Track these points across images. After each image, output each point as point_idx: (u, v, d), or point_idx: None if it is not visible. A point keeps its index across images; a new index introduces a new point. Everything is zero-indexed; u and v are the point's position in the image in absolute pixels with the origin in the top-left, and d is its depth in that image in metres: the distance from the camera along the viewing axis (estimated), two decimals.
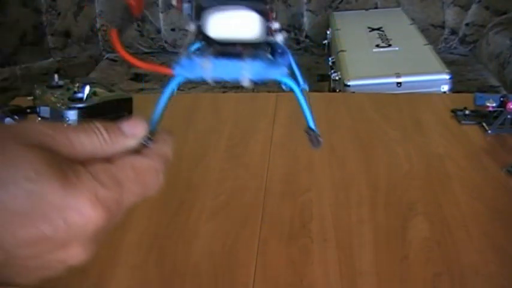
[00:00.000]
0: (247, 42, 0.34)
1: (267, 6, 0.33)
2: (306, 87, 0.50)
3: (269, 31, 0.36)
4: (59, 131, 0.30)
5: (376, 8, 2.35)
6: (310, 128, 0.39)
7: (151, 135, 0.35)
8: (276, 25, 0.35)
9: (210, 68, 0.33)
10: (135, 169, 0.32)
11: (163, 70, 0.35)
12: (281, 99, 1.12)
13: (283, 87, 0.37)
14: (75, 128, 0.32)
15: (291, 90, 0.38)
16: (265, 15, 0.33)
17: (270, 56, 0.36)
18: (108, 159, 0.31)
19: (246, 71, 0.34)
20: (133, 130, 0.33)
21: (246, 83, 0.34)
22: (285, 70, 0.35)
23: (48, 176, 0.28)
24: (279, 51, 0.37)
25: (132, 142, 0.33)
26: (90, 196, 0.29)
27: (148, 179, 0.32)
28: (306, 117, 0.39)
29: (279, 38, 0.36)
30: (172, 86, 0.37)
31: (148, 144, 0.34)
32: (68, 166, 0.29)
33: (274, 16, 0.35)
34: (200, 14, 0.33)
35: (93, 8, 2.39)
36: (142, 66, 0.35)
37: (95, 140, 0.31)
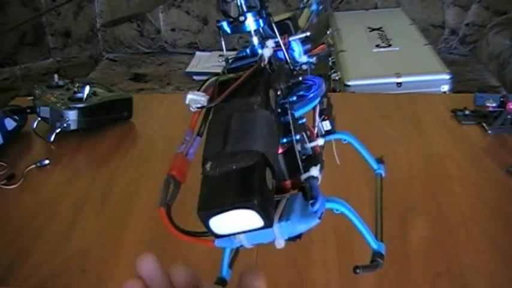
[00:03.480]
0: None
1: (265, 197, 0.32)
2: (382, 171, 0.49)
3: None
4: None
5: (376, 8, 2.34)
6: (374, 252, 0.38)
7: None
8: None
9: (243, 238, 0.34)
10: None
11: (205, 243, 0.36)
12: None
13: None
14: None
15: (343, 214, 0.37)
16: (265, 204, 0.31)
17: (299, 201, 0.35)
18: None
19: (279, 233, 0.33)
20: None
21: (281, 244, 0.34)
22: (318, 215, 0.34)
23: None
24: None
25: None
26: None
27: None
28: (366, 240, 0.38)
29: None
30: (227, 253, 0.40)
31: None
32: None
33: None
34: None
35: (93, 8, 2.39)
36: (186, 239, 0.36)
37: None
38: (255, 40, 0.41)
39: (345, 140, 0.50)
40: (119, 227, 0.79)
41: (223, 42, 0.43)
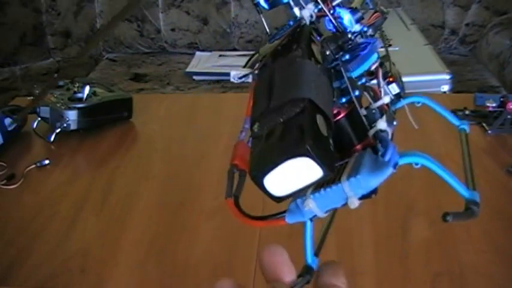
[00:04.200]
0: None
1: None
2: (465, 126, 0.46)
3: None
4: None
5: None
6: (468, 200, 0.34)
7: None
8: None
9: (314, 205, 0.31)
10: None
11: (278, 223, 0.33)
12: None
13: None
14: None
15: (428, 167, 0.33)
16: (320, 149, 0.29)
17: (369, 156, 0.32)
18: None
19: (350, 191, 0.31)
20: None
21: (356, 204, 0.31)
22: (391, 164, 0.31)
23: None
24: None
25: None
26: None
27: None
28: (457, 190, 0.34)
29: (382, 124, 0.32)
30: (309, 232, 0.36)
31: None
32: None
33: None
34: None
35: (93, 8, 2.39)
36: (259, 225, 0.33)
37: None
38: (296, 11, 0.39)
39: (418, 103, 0.47)
40: (119, 227, 0.79)
41: (263, 19, 0.42)
